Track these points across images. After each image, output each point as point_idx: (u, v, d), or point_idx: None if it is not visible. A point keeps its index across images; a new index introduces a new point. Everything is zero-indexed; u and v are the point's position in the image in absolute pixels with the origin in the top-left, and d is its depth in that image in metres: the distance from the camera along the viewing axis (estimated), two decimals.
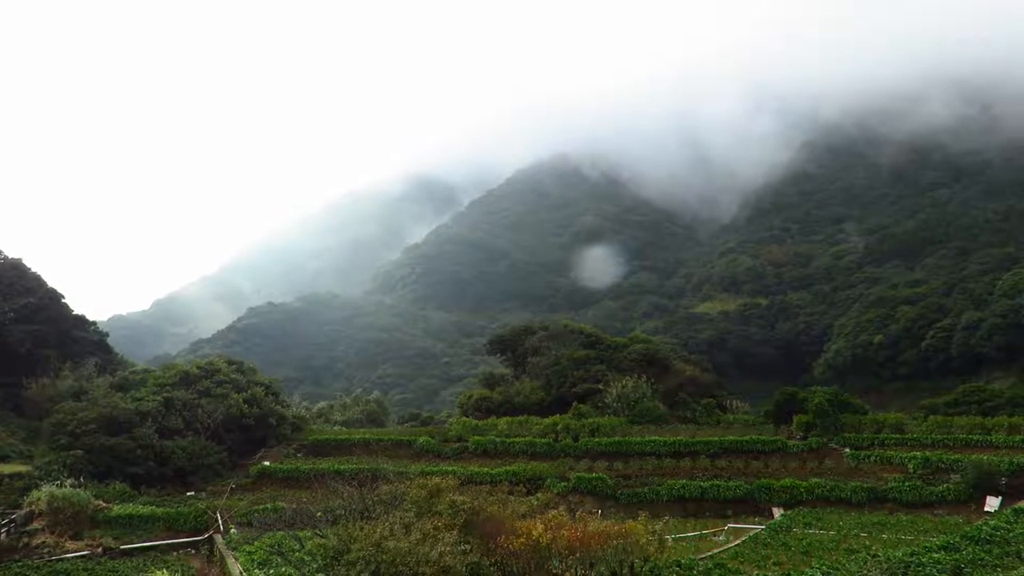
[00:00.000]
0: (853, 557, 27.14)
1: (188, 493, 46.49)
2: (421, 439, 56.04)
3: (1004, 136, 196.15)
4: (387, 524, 21.57)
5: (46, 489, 38.99)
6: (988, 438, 47.40)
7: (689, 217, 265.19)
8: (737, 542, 34.72)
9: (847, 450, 48.70)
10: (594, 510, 36.90)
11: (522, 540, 21.45)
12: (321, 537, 23.79)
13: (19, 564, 32.61)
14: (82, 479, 42.82)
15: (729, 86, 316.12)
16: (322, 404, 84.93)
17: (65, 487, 39.70)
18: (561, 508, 27.57)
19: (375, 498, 27.70)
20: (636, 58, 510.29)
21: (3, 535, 35.32)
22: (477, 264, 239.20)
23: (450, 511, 23.29)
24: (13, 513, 37.38)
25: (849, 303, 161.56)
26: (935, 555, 24.77)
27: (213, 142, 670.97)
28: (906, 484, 43.09)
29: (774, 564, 29.91)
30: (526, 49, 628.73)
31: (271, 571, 26.76)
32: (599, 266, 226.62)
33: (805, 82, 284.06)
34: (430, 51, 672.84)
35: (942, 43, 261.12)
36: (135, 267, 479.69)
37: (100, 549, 35.83)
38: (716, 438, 51.08)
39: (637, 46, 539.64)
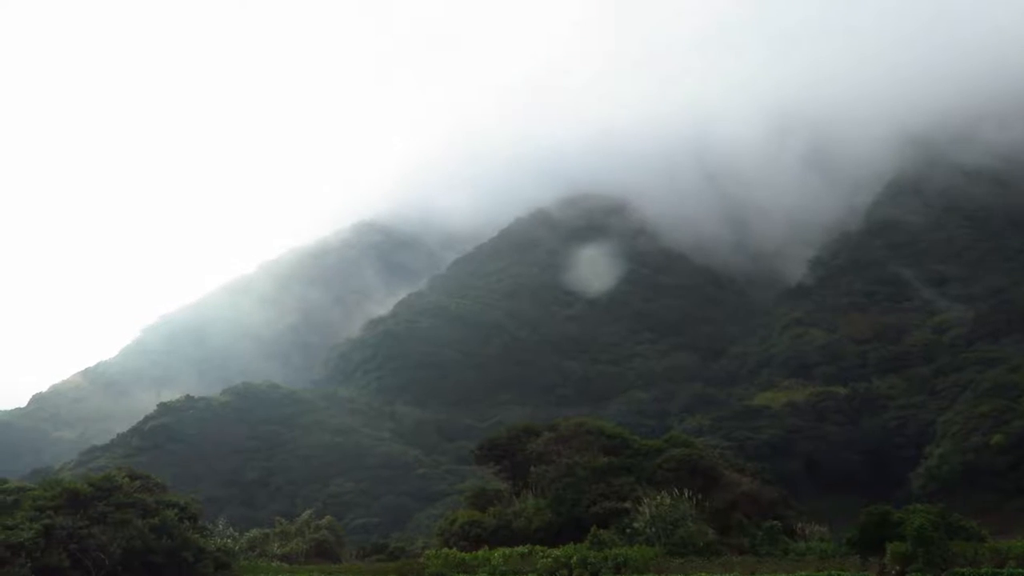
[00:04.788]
0: None
1: None
2: None
3: None
4: None
5: None
6: None
7: (740, 279, 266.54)
8: None
9: None
10: None
11: None
12: None
13: None
14: None
15: (740, 105, 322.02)
16: (255, 532, 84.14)
17: None
18: None
19: None
20: (635, 80, 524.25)
21: None
22: (462, 343, 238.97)
23: None
24: None
25: (956, 392, 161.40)
26: None
27: (112, 193, 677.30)
28: None
29: None
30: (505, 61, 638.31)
31: None
32: (623, 345, 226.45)
33: (836, 104, 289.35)
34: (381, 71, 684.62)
35: (985, 50, 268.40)
36: (8, 352, 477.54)
37: None
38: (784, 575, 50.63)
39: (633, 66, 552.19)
